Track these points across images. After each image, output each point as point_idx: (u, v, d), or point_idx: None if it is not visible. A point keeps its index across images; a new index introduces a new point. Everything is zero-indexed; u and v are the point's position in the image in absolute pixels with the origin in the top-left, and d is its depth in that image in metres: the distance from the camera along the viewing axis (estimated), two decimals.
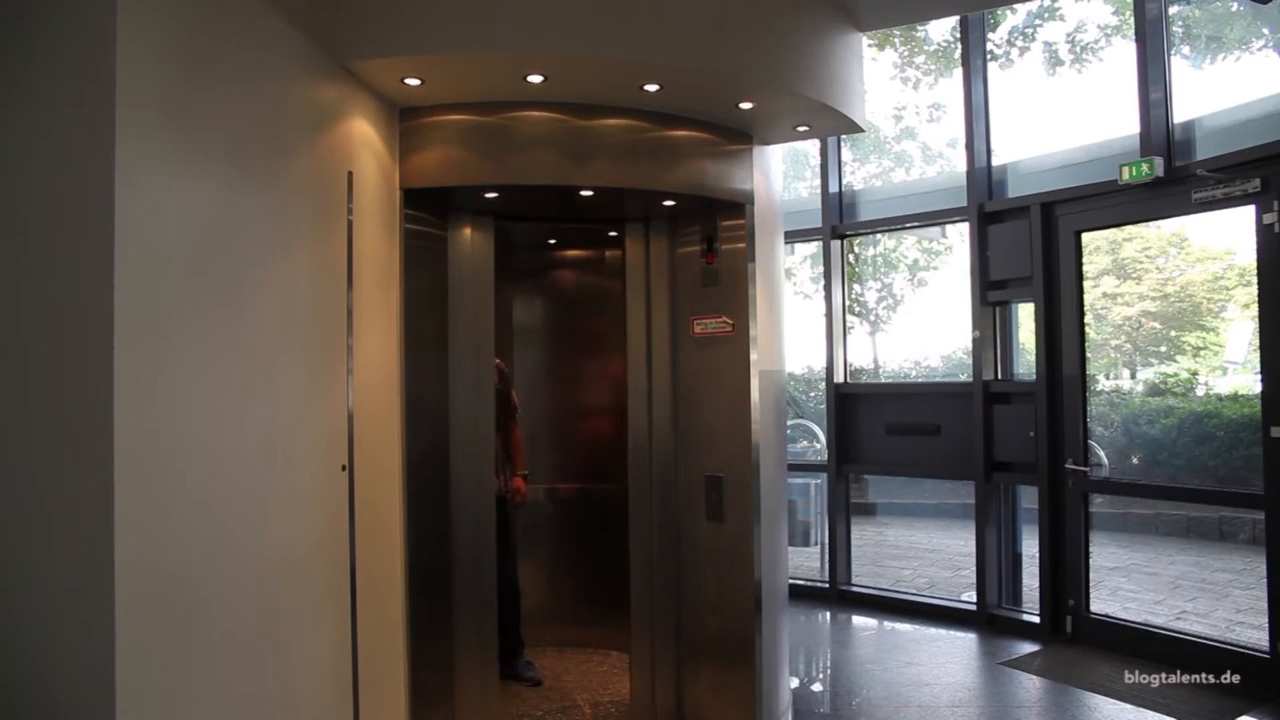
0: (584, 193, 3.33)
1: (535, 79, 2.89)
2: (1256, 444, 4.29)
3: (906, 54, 7.42)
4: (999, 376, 5.49)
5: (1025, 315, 5.52)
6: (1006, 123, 5.69)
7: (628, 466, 3.79)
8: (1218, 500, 5.64)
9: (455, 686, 3.39)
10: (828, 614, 5.85)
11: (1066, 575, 5.05)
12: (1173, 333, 7.50)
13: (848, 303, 6.38)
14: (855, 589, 6.11)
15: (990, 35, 5.87)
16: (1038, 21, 6.74)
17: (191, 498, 2.00)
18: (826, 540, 6.34)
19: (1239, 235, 4.73)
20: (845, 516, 6.19)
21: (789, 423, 5.00)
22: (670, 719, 3.81)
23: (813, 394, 8.48)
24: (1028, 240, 5.20)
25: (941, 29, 7.04)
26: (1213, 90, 5.37)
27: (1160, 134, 4.63)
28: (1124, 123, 4.91)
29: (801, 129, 3.61)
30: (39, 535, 1.82)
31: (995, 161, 5.54)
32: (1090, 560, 5.07)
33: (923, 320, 9.25)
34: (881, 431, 5.95)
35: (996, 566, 5.50)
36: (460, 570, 3.39)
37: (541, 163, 3.15)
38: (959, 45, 5.78)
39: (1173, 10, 4.83)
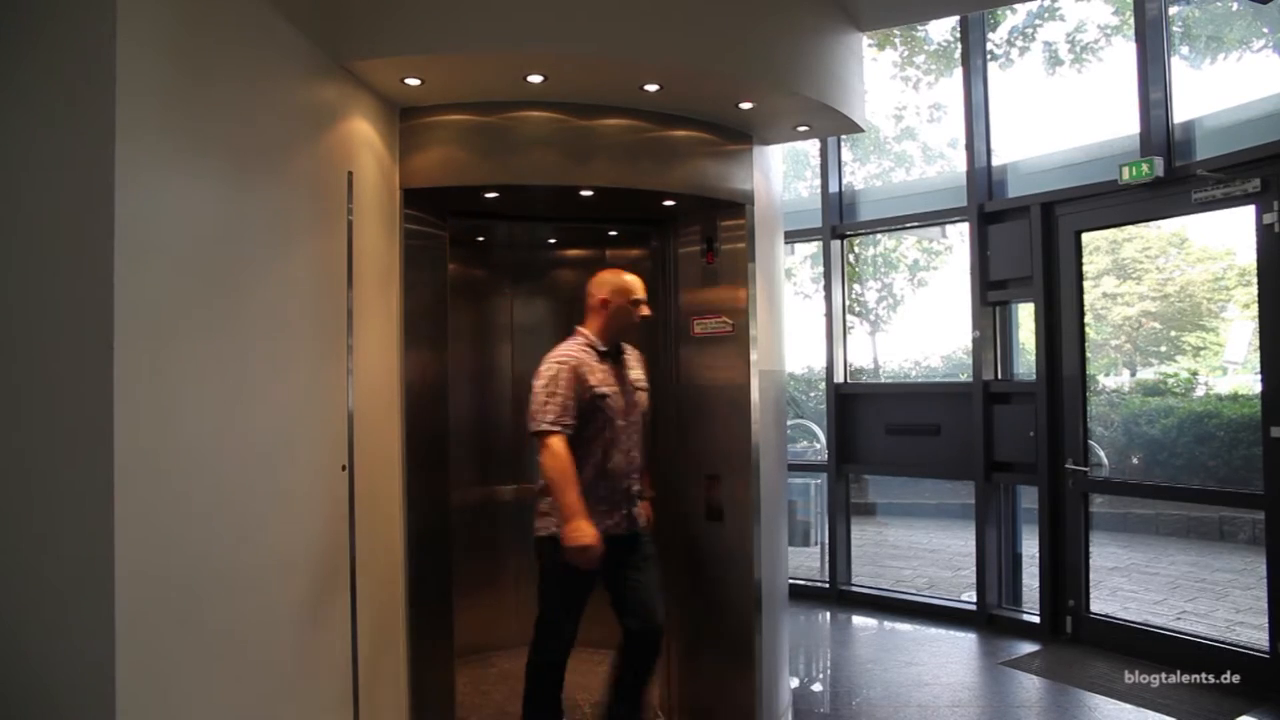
0: (584, 193, 3.33)
1: (535, 79, 2.89)
2: (1256, 444, 4.28)
3: (906, 54, 7.42)
4: (999, 376, 5.49)
5: (1025, 315, 5.52)
6: (1006, 123, 5.70)
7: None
8: (1218, 500, 5.64)
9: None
10: (828, 614, 5.85)
11: (1066, 575, 5.05)
12: (1173, 333, 7.51)
13: (848, 303, 6.38)
14: (855, 589, 6.11)
15: (990, 35, 5.87)
16: (1038, 21, 6.74)
17: (191, 498, 2.00)
18: (826, 540, 6.34)
19: (1239, 235, 4.73)
20: (845, 516, 6.19)
21: (789, 423, 5.00)
22: (671, 718, 3.81)
23: (813, 394, 8.49)
24: (1028, 240, 5.20)
25: (941, 29, 7.04)
26: (1213, 90, 5.37)
27: (1160, 134, 4.63)
28: (1124, 123, 4.91)
29: (801, 129, 3.61)
30: (38, 535, 1.81)
31: (995, 161, 5.53)
32: (1090, 560, 5.07)
33: (923, 320, 9.27)
34: (881, 431, 5.95)
35: (996, 566, 5.50)
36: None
37: (541, 163, 3.15)
38: (959, 45, 5.78)
39: (1173, 10, 4.83)
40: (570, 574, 3.10)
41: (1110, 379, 7.28)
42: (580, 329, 3.29)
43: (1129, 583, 6.56)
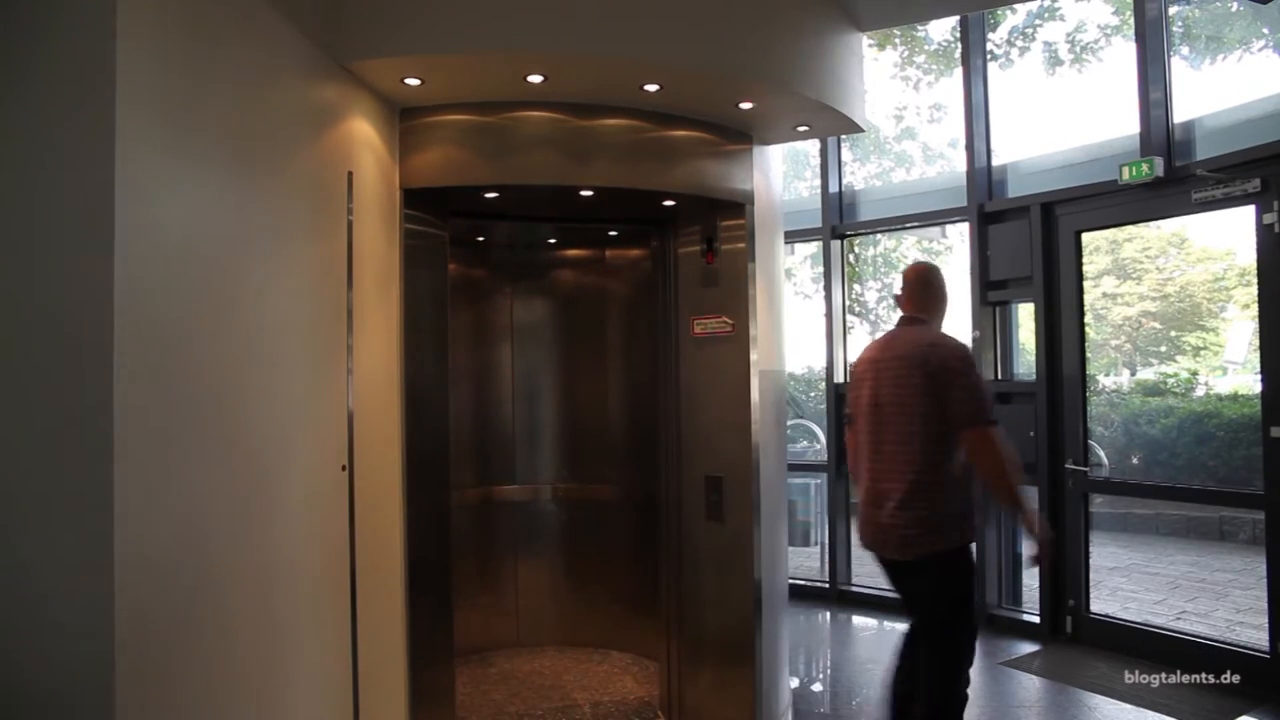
0: (584, 193, 3.33)
1: (535, 79, 2.89)
2: (1256, 444, 4.29)
3: (906, 54, 7.42)
4: (999, 376, 5.49)
5: (1025, 315, 5.52)
6: (1006, 123, 5.70)
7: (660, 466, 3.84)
8: (1218, 500, 5.64)
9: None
10: (828, 614, 5.85)
11: (1066, 575, 5.05)
12: (1173, 333, 7.51)
13: (848, 303, 6.38)
14: (855, 589, 6.11)
15: (990, 35, 5.87)
16: (1038, 21, 6.74)
17: (191, 498, 2.00)
18: (826, 540, 6.34)
19: (1239, 235, 4.73)
20: (845, 516, 6.19)
21: (789, 423, 5.00)
22: (671, 718, 3.81)
23: (813, 394, 8.48)
24: (1028, 240, 5.20)
25: (941, 29, 7.04)
26: (1213, 90, 5.37)
27: (1160, 134, 4.63)
28: (1124, 123, 4.91)
29: (801, 129, 3.61)
30: (38, 536, 1.81)
31: (995, 161, 5.54)
32: (1090, 560, 5.07)
33: None
34: None
35: (996, 566, 5.50)
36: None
37: (542, 163, 3.15)
38: (959, 45, 5.78)
39: (1173, 10, 4.83)
40: (965, 590, 2.88)
41: (1110, 379, 7.29)
42: (920, 315, 3.05)
43: (1129, 583, 6.56)
